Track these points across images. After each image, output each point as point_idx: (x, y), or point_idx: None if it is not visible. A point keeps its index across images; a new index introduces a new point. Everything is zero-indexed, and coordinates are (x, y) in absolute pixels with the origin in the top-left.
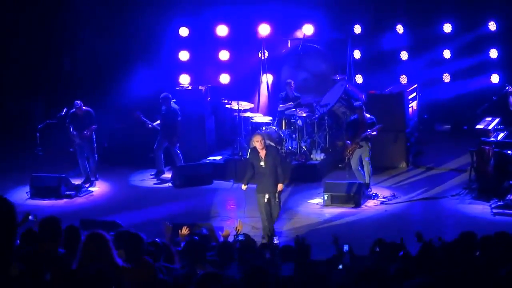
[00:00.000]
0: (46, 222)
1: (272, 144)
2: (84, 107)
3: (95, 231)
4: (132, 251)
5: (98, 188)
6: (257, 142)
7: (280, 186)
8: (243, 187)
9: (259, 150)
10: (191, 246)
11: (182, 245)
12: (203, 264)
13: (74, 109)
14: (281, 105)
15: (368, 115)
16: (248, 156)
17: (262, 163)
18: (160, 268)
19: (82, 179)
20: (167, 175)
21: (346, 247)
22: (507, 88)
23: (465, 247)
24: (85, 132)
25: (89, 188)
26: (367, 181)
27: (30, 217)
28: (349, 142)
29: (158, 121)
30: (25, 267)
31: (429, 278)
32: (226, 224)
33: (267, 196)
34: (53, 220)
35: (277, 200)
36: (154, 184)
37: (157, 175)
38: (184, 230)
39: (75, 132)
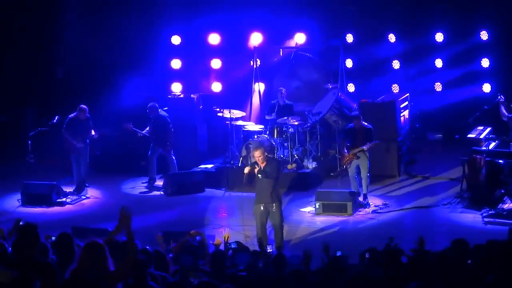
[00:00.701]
0: (22, 230)
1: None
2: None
3: (93, 241)
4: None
5: (90, 196)
6: (258, 157)
7: (246, 169)
8: (246, 170)
9: (260, 164)
10: (184, 254)
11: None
12: (196, 273)
13: (77, 113)
14: (267, 116)
15: (365, 124)
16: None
17: (259, 175)
18: (152, 275)
19: (74, 187)
20: (159, 183)
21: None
22: (499, 97)
23: (457, 254)
24: (94, 135)
25: (81, 195)
26: (364, 191)
27: (21, 223)
28: (346, 151)
29: (147, 128)
30: (18, 274)
31: (422, 285)
32: (218, 232)
33: (262, 205)
34: (28, 226)
35: (274, 209)
36: (146, 192)
37: (149, 183)
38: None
39: (75, 137)
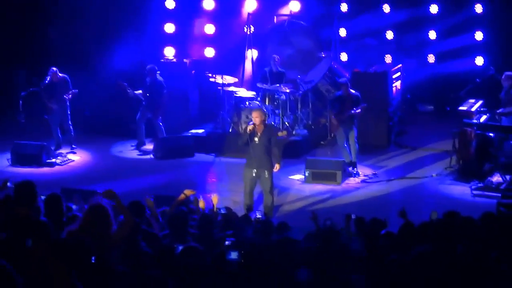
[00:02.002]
0: (20, 186)
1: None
2: (60, 74)
3: (98, 203)
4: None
5: (79, 157)
6: (256, 118)
7: (277, 167)
8: (250, 127)
9: (256, 126)
10: (175, 218)
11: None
12: (185, 237)
13: (49, 76)
14: (258, 84)
15: (353, 91)
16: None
17: (256, 139)
18: (143, 231)
19: (67, 148)
20: (149, 146)
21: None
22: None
23: (448, 225)
24: (66, 96)
25: (69, 157)
26: (353, 159)
27: (8, 183)
28: (334, 117)
29: (140, 91)
30: (6, 234)
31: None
32: (206, 197)
33: (255, 171)
34: (27, 184)
35: (266, 175)
36: (135, 155)
37: (138, 146)
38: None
39: (49, 99)
